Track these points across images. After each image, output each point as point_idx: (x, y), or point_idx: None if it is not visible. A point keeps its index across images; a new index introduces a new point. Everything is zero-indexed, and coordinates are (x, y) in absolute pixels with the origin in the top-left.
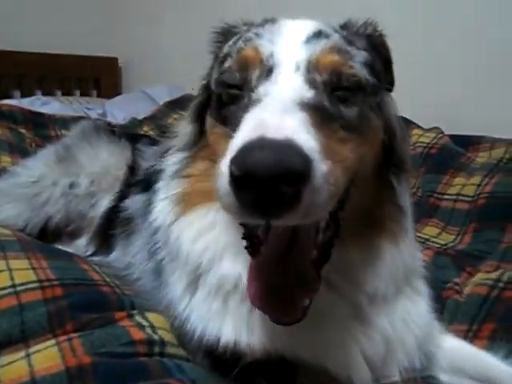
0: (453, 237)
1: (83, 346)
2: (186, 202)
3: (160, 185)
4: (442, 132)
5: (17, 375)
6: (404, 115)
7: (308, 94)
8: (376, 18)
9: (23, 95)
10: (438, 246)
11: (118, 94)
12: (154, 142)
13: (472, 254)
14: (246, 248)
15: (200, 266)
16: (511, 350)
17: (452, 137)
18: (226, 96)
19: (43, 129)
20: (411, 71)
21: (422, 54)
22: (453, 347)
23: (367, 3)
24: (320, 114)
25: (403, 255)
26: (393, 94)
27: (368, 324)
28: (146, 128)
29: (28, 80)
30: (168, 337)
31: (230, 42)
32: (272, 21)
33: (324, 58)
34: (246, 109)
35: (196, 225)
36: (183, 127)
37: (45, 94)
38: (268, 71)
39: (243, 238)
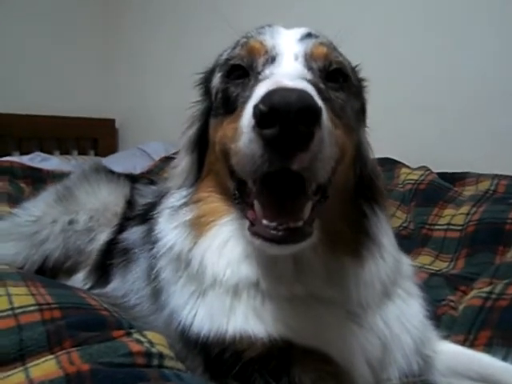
0: (446, 263)
1: (81, 358)
2: (200, 225)
3: (164, 218)
4: (429, 170)
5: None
6: (392, 157)
7: (308, 75)
8: (361, 64)
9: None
10: (433, 271)
11: (115, 152)
12: (152, 182)
13: (466, 276)
14: (237, 203)
15: (222, 277)
16: (508, 353)
17: (439, 174)
18: (233, 85)
19: (42, 183)
20: (396, 117)
21: (406, 99)
22: (449, 350)
23: (354, 49)
24: (318, 93)
25: (379, 266)
26: (381, 138)
27: (364, 326)
28: None
29: (27, 141)
30: (166, 351)
31: (227, 51)
32: (269, 25)
33: (316, 50)
34: (254, 87)
35: (214, 245)
36: (179, 164)
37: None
38: (272, 58)
39: (234, 195)
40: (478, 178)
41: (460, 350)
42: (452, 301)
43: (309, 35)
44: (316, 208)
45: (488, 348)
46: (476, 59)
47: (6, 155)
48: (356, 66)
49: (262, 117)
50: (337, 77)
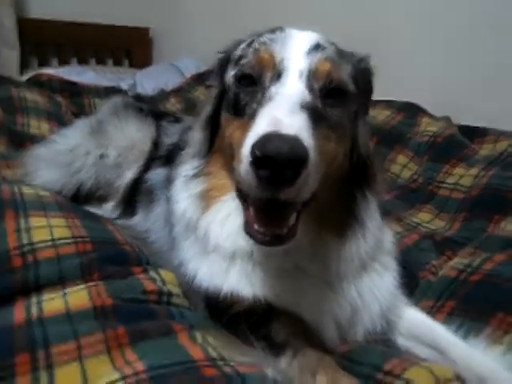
0: (444, 223)
1: (107, 291)
2: (208, 198)
3: (179, 186)
4: (451, 122)
5: (56, 308)
6: (415, 102)
7: (308, 97)
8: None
9: (60, 63)
10: (429, 230)
11: (149, 63)
12: (176, 119)
13: (456, 240)
14: (237, 196)
15: (222, 245)
16: (462, 324)
17: (459, 127)
18: (243, 92)
19: (78, 97)
20: (420, 59)
21: (430, 43)
22: (413, 318)
23: None
24: (315, 115)
25: (359, 246)
26: (403, 82)
27: (338, 293)
28: (173, 100)
29: (64, 48)
30: (175, 290)
31: (242, 46)
32: (281, 29)
33: (321, 66)
34: (260, 104)
35: (218, 218)
36: (194, 135)
37: (80, 61)
38: (278, 75)
39: (236, 189)
40: (498, 136)
41: (422, 318)
42: (434, 266)
43: (316, 47)
44: (301, 214)
45: (449, 316)
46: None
47: (45, 62)
48: (363, 59)
49: (257, 159)
50: (336, 93)
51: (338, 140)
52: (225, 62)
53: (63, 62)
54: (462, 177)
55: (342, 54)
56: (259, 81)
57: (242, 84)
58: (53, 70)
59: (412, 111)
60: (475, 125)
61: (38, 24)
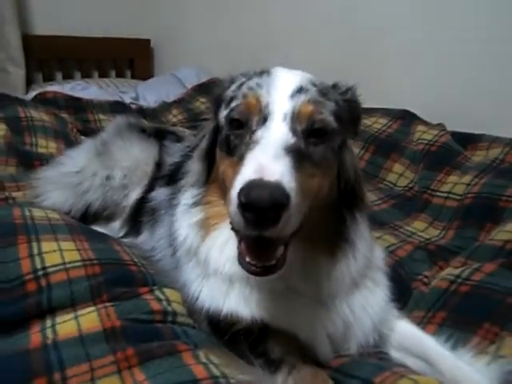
0: (438, 231)
1: (115, 312)
2: (207, 226)
3: (179, 214)
4: (445, 129)
5: (69, 331)
6: (412, 110)
7: (291, 140)
8: (378, 18)
9: (64, 77)
10: (423, 239)
11: (151, 74)
12: (178, 138)
13: (450, 249)
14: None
15: (222, 269)
16: (452, 335)
17: (454, 134)
18: (233, 134)
19: (82, 113)
20: (416, 68)
21: (424, 52)
22: (404, 330)
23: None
24: (298, 156)
25: (350, 267)
26: (401, 90)
27: (330, 310)
28: (175, 111)
29: (68, 63)
30: (179, 309)
31: (233, 87)
32: (268, 73)
33: (304, 109)
34: (248, 146)
35: (217, 244)
36: (193, 166)
37: (83, 75)
38: (264, 119)
39: (232, 229)
40: (491, 143)
41: (412, 330)
42: (426, 276)
43: (299, 90)
44: (289, 244)
45: (440, 327)
46: (499, 17)
47: (49, 77)
48: (349, 89)
49: (243, 204)
50: (319, 133)
51: (322, 174)
52: (218, 101)
53: (67, 76)
54: (455, 185)
55: (324, 93)
56: (247, 124)
57: (232, 126)
58: (57, 87)
59: (407, 119)
60: (470, 131)
61: (42, 40)
